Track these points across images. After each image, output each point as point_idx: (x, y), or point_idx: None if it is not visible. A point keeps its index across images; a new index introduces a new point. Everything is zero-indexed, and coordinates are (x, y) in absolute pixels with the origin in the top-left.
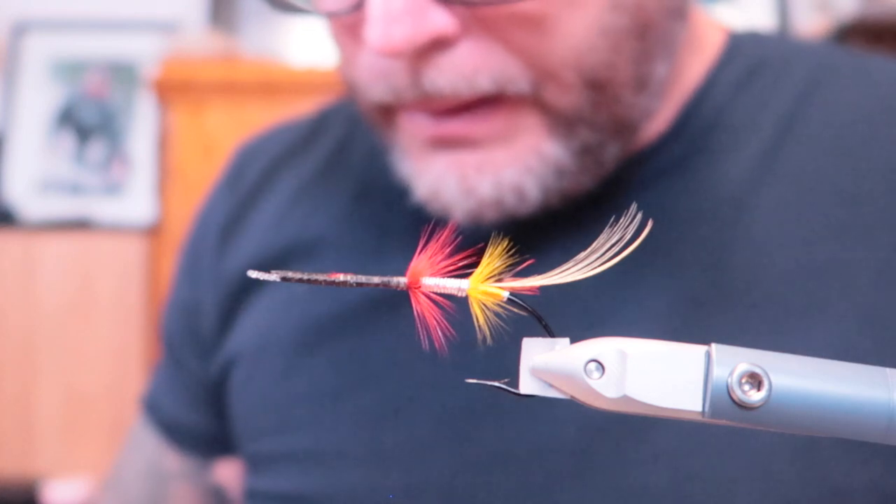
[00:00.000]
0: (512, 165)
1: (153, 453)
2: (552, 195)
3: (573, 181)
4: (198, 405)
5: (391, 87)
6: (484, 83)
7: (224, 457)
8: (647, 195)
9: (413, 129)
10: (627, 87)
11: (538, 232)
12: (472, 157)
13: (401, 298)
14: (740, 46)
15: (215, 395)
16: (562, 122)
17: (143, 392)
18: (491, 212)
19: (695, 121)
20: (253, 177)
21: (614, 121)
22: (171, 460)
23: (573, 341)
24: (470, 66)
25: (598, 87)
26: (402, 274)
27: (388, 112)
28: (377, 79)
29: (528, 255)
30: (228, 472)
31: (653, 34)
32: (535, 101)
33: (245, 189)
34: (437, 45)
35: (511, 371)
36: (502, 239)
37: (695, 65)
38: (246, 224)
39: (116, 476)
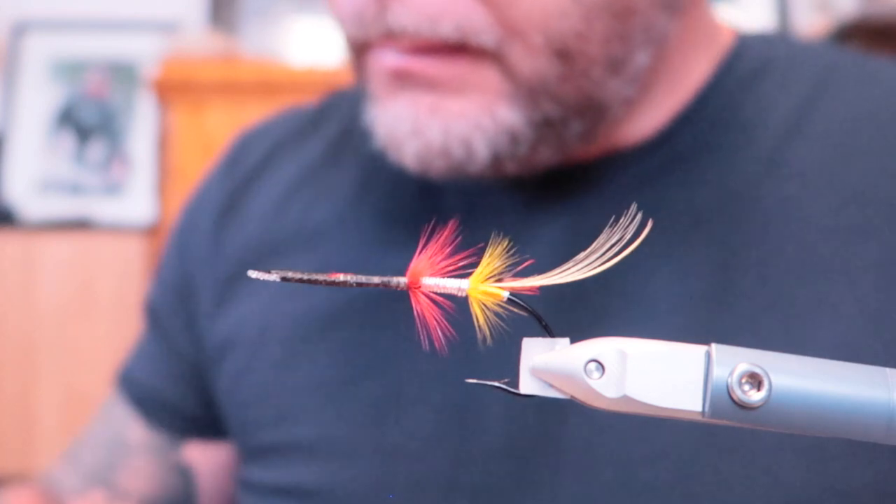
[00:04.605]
0: (463, 117)
1: (118, 425)
2: (506, 160)
3: (531, 151)
4: (180, 382)
5: (360, 22)
6: (446, 28)
7: (197, 439)
8: (655, 186)
9: (378, 67)
10: (598, 64)
11: (533, 221)
12: (427, 100)
13: (405, 292)
14: (748, 47)
15: (201, 377)
16: (523, 89)
17: (118, 369)
18: (439, 161)
19: (701, 117)
20: (252, 161)
21: (581, 97)
22: (137, 432)
23: (582, 339)
24: (434, 7)
25: (565, 56)
26: (405, 265)
27: (361, 53)
28: (350, 15)
29: (529, 243)
30: (202, 455)
31: (635, 19)
32: (497, 59)
33: (244, 173)
34: None
35: (514, 368)
36: (499, 234)
37: (702, 62)
38: (245, 208)
39: (75, 447)
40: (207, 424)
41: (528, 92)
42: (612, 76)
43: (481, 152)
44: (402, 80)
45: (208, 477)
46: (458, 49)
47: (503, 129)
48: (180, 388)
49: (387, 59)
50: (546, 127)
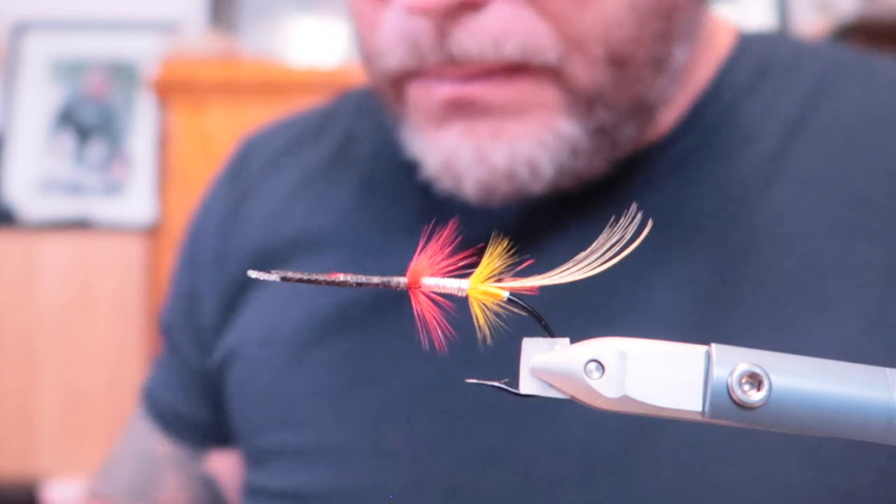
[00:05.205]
0: (526, 138)
1: (146, 440)
2: (565, 174)
3: (587, 162)
4: (192, 394)
5: (415, 49)
6: (511, 49)
7: (218, 448)
8: (659, 189)
9: (428, 96)
10: (648, 66)
11: (548, 219)
12: (487, 125)
13: (406, 295)
14: (750, 46)
15: (212, 386)
16: (581, 100)
17: (142, 382)
18: (504, 184)
19: (706, 117)
20: (256, 168)
21: (633, 101)
22: (162, 447)
23: (583, 339)
24: (499, 29)
25: (621, 63)
26: (405, 269)
27: (402, 83)
28: (400, 42)
29: (536, 242)
30: (222, 464)
31: (677, 16)
32: (557, 75)
33: (247, 181)
34: (469, 6)
35: (514, 368)
36: (514, 223)
37: (705, 62)
38: (248, 215)
39: (110, 463)
40: (225, 434)
41: (585, 102)
42: (658, 76)
43: (546, 170)
44: (459, 108)
45: (233, 486)
46: (516, 69)
47: (565, 143)
48: (194, 401)
49: (442, 89)
50: (601, 135)
